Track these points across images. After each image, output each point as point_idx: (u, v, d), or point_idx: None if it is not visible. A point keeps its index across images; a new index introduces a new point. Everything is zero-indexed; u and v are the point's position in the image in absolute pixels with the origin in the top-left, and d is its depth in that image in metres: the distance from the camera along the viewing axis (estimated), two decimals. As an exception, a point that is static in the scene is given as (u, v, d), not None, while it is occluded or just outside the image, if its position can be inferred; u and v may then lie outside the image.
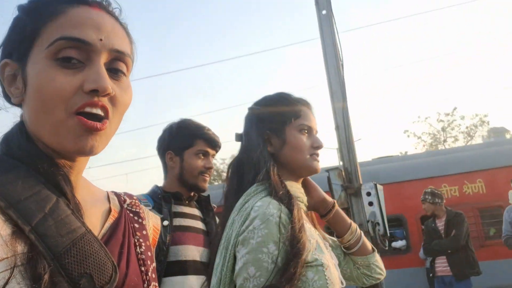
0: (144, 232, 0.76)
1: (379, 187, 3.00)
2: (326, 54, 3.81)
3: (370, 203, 3.00)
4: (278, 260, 1.05)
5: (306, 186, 1.35)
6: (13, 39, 0.66)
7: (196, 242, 1.70)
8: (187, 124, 1.91)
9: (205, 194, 1.93)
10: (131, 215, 0.77)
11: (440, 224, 4.73)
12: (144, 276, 0.69)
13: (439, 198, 4.72)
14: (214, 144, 1.88)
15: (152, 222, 0.82)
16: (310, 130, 1.30)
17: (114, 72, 0.66)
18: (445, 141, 23.24)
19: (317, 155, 1.29)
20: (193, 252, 1.66)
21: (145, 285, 0.68)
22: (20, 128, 0.66)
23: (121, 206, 0.76)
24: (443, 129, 23.34)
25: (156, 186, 1.87)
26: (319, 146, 1.29)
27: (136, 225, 0.76)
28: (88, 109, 0.61)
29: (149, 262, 0.72)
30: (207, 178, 1.85)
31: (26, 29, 0.64)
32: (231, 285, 1.12)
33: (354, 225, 1.35)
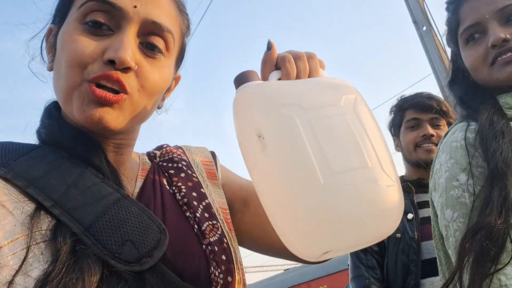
0: (183, 175, 0.68)
1: None
2: (435, 70, 3.60)
3: None
4: (477, 190, 0.78)
5: None
6: (58, 4, 0.65)
7: None
8: (398, 101, 1.68)
9: None
10: (164, 164, 0.70)
11: None
12: (192, 221, 0.61)
13: None
14: (425, 108, 1.55)
15: (200, 157, 0.75)
16: (483, 30, 0.92)
17: (150, 48, 0.59)
18: None
19: (502, 53, 0.88)
20: None
21: (196, 226, 0.61)
22: (46, 106, 0.64)
23: (152, 161, 0.71)
24: None
25: None
26: (495, 43, 0.88)
27: (171, 171, 0.69)
28: (103, 82, 0.55)
29: (195, 203, 0.64)
30: (431, 147, 1.53)
31: None
32: (442, 246, 0.90)
33: None
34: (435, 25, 3.64)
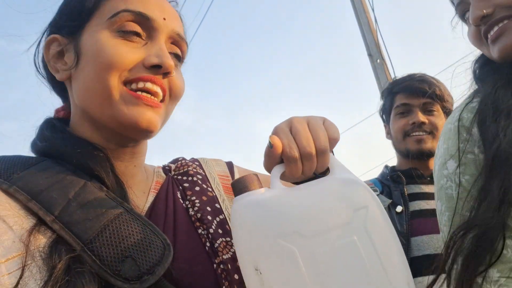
0: (198, 188, 0.67)
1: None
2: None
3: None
4: (463, 179, 0.66)
5: None
6: (66, 14, 0.64)
7: None
8: (389, 84, 1.55)
9: None
10: (179, 177, 0.69)
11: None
12: (204, 238, 0.60)
13: None
14: (416, 92, 1.40)
15: (216, 171, 0.75)
16: (469, 7, 0.78)
17: (175, 56, 0.65)
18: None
19: (488, 30, 0.74)
20: None
21: (208, 244, 0.59)
22: (46, 120, 0.65)
23: (166, 175, 0.70)
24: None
25: (385, 166, 1.54)
26: (475, 23, 0.75)
27: (186, 185, 0.67)
28: (149, 85, 0.58)
29: (210, 218, 0.62)
30: (422, 137, 1.39)
31: (85, 3, 0.62)
32: None
33: None
34: (389, 58, 3.93)
